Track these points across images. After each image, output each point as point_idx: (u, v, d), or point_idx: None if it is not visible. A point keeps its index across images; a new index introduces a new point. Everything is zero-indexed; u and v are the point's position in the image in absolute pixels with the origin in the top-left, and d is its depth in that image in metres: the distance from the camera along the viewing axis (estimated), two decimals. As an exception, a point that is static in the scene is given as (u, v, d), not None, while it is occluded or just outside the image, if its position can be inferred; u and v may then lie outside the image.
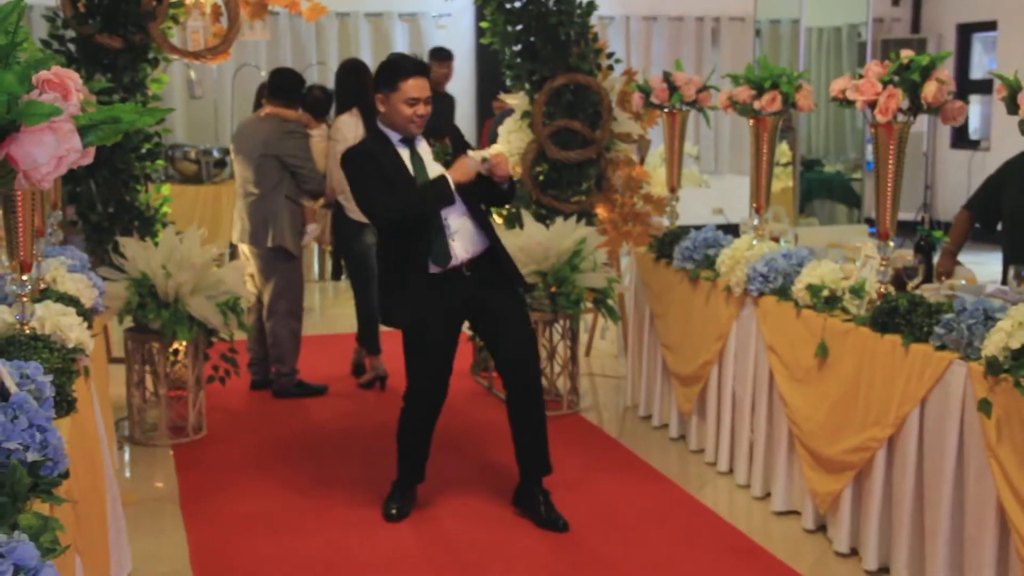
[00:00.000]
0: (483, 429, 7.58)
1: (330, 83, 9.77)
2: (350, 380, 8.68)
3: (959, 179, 14.04)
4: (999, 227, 7.07)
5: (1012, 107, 4.59)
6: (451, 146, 5.88)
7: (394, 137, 5.79)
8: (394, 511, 5.98)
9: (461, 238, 5.78)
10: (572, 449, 7.17)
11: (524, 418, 5.98)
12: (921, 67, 5.25)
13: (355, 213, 8.14)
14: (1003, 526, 4.56)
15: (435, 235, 5.75)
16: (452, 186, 5.65)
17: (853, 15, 9.98)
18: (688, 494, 6.48)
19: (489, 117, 11.51)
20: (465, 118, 14.40)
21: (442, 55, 11.60)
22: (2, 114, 2.01)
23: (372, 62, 9.84)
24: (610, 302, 7.98)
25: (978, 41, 15.27)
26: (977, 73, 14.92)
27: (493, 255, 6.00)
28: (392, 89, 5.68)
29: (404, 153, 5.77)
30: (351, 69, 8.45)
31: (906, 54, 5.37)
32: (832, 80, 5.86)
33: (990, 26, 14.98)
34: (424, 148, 5.78)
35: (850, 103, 5.60)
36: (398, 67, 5.76)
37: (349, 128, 8.12)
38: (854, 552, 5.53)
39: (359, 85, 8.23)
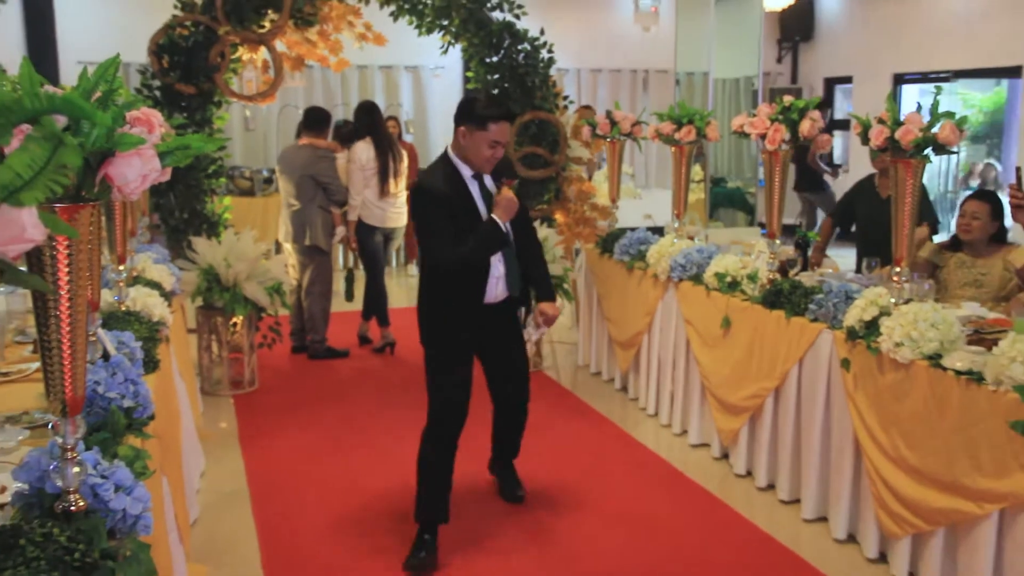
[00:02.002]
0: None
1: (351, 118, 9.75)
2: (367, 346, 8.67)
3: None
4: (853, 229, 7.20)
5: (864, 140, 4.71)
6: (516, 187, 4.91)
7: (466, 172, 4.77)
8: (423, 555, 4.62)
9: (502, 279, 4.83)
10: (537, 399, 7.00)
11: (512, 424, 5.37)
12: (799, 109, 5.40)
13: (369, 219, 8.22)
14: (857, 451, 4.69)
15: (481, 275, 4.81)
16: (503, 227, 4.75)
17: (748, 70, 10.03)
18: (626, 432, 6.53)
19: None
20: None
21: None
22: (102, 143, 2.05)
23: (384, 103, 9.92)
24: (566, 286, 7.92)
25: (839, 91, 15.31)
26: (839, 115, 15.00)
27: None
28: (481, 127, 4.66)
29: (474, 188, 4.77)
30: (367, 109, 8.34)
31: (787, 99, 5.48)
32: (733, 118, 5.93)
33: (848, 80, 15.05)
34: (490, 183, 4.87)
35: (746, 135, 5.70)
36: (490, 109, 4.70)
37: (363, 152, 8.12)
38: (749, 474, 5.64)
39: (372, 120, 8.21)
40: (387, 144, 8.26)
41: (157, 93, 7.74)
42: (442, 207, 4.63)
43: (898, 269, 4.65)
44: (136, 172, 2.11)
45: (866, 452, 4.55)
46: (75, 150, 1.69)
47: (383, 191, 8.20)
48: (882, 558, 4.62)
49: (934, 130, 4.48)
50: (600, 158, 9.42)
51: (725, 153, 10.49)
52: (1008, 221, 5.57)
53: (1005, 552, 3.89)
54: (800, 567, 4.04)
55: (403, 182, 8.38)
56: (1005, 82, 13.66)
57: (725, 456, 5.96)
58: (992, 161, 13.82)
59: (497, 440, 5.49)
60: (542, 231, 7.69)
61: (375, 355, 8.47)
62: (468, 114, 4.66)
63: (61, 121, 1.94)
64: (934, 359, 4.22)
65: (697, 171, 9.90)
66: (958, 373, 4.05)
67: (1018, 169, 4.27)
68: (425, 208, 4.66)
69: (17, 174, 1.59)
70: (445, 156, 4.79)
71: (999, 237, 5.76)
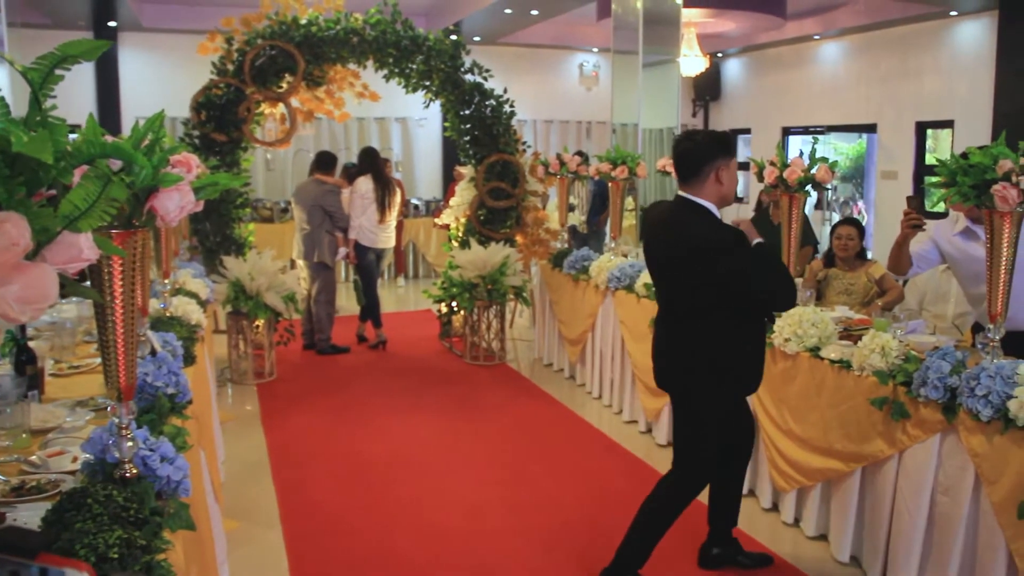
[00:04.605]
0: (448, 373, 7.64)
1: (354, 160, 9.78)
2: (363, 343, 8.61)
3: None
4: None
5: (760, 178, 4.78)
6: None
7: (716, 213, 3.51)
8: None
9: None
10: (501, 385, 7.25)
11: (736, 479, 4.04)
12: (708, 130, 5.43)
13: (364, 241, 8.23)
14: (756, 424, 4.73)
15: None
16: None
17: (670, 121, 10.07)
18: (573, 412, 6.53)
19: (453, 181, 11.50)
20: (435, 181, 14.48)
21: None
22: (149, 181, 2.08)
23: (378, 148, 9.87)
24: (525, 294, 8.01)
25: (741, 140, 15.44)
26: (741, 158, 15.13)
27: None
28: (733, 155, 3.55)
29: None
30: (370, 152, 8.37)
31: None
32: (658, 160, 5.99)
33: (747, 131, 15.20)
34: None
35: (668, 173, 5.76)
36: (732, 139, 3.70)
37: (364, 184, 8.15)
38: (669, 444, 5.57)
39: (373, 161, 8.27)
40: (385, 181, 8.28)
41: (196, 141, 7.72)
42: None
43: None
44: (175, 204, 2.13)
45: (762, 425, 4.59)
46: (121, 186, 1.71)
47: (379, 219, 8.22)
48: (774, 507, 4.67)
49: (813, 171, 4.54)
50: (552, 192, 9.45)
51: (652, 187, 10.53)
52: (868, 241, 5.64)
53: (866, 499, 3.98)
54: (702, 509, 4.06)
55: (395, 212, 8.41)
56: (865, 136, 13.86)
57: (649, 430, 5.98)
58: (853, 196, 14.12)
59: (716, 504, 4.07)
60: (505, 250, 7.75)
61: (370, 351, 8.43)
62: (724, 146, 3.52)
63: (116, 164, 1.95)
64: (814, 351, 4.27)
65: (630, 202, 9.94)
66: (832, 362, 4.10)
67: (908, 198, 4.34)
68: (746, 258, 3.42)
69: (76, 206, 1.61)
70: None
71: (862, 255, 5.86)
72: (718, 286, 3.42)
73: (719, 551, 4.06)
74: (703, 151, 3.49)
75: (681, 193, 3.56)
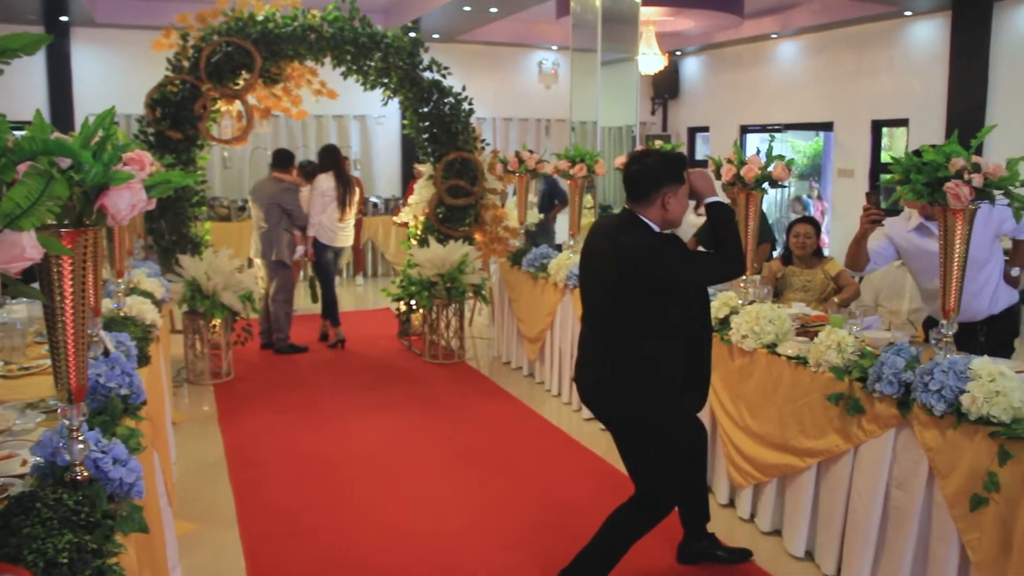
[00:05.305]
0: (407, 372, 7.61)
1: (312, 158, 9.74)
2: (322, 343, 8.58)
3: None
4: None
5: (717, 175, 4.80)
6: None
7: (656, 229, 3.46)
8: None
9: None
10: (461, 383, 7.23)
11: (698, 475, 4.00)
12: (667, 151, 5.46)
13: (323, 238, 8.23)
14: (713, 421, 4.72)
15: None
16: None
17: (628, 120, 10.11)
18: (533, 410, 6.54)
19: (412, 179, 11.46)
20: (394, 179, 14.43)
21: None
22: (99, 179, 2.06)
23: (337, 145, 9.81)
24: (484, 292, 8.02)
25: (700, 137, 15.54)
26: (700, 156, 15.23)
27: None
28: (683, 182, 3.48)
29: None
30: (331, 149, 8.36)
31: (658, 143, 5.57)
32: (616, 157, 5.99)
33: (706, 129, 15.28)
34: None
35: (625, 172, 5.77)
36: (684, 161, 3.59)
37: (325, 181, 8.16)
38: None
39: (334, 159, 8.28)
40: (346, 179, 8.30)
41: (152, 138, 7.62)
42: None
43: (744, 277, 4.74)
44: (126, 202, 2.10)
45: (719, 421, 4.63)
46: (64, 183, 1.68)
47: (340, 216, 8.23)
48: (731, 503, 4.71)
49: (770, 169, 4.58)
50: (510, 189, 9.45)
51: (611, 185, 10.59)
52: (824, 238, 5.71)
53: (821, 494, 4.02)
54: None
55: (354, 209, 8.42)
56: (822, 134, 14.01)
57: (610, 426, 5.98)
58: (801, 195, 14.30)
59: (685, 505, 4.05)
60: (464, 248, 7.75)
61: (329, 349, 8.40)
62: (675, 171, 3.48)
63: (65, 161, 1.92)
64: (771, 347, 4.31)
65: (588, 199, 9.99)
66: (789, 358, 4.14)
67: (867, 193, 4.41)
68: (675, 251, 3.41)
69: (17, 204, 1.59)
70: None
71: (819, 252, 5.93)
72: (654, 293, 3.38)
73: (697, 547, 4.06)
74: (652, 176, 3.45)
75: (628, 207, 3.54)
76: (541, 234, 9.87)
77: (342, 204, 8.21)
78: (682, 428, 3.64)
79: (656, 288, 3.37)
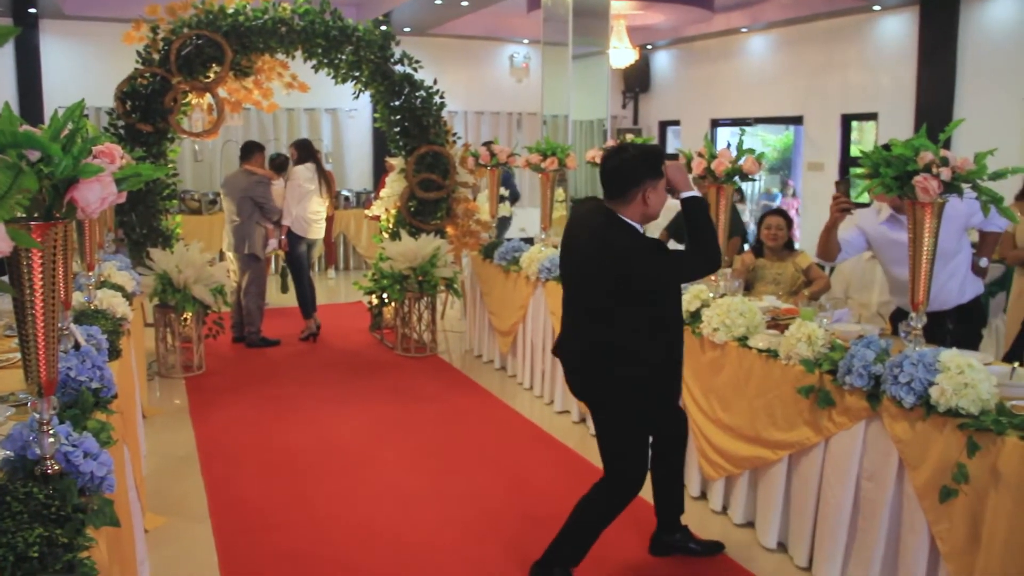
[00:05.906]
0: (379, 365, 7.59)
1: (283, 151, 9.70)
2: (294, 335, 8.52)
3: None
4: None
5: (688, 169, 4.82)
6: None
7: (640, 229, 3.48)
8: None
9: None
10: (433, 377, 7.22)
11: (675, 464, 4.02)
12: (644, 144, 5.47)
13: (297, 230, 8.23)
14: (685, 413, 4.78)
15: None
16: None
17: (599, 113, 10.13)
18: (505, 403, 6.54)
19: (384, 172, 11.42)
20: (366, 173, 14.38)
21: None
22: (69, 172, 2.04)
23: (309, 138, 9.77)
24: (456, 286, 8.01)
25: (671, 131, 15.61)
26: (671, 149, 15.28)
27: None
28: (662, 176, 3.48)
29: None
30: (307, 143, 8.45)
31: (630, 137, 5.58)
32: (587, 151, 6.00)
33: (677, 123, 15.36)
34: None
35: (598, 164, 5.77)
36: (662, 154, 3.57)
37: (303, 173, 8.22)
38: None
39: (311, 152, 8.35)
40: (323, 171, 8.38)
41: (121, 131, 7.56)
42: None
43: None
44: (96, 195, 2.08)
45: (691, 414, 4.62)
46: (33, 176, 1.66)
47: (319, 207, 8.30)
48: (703, 496, 4.73)
49: (740, 162, 4.61)
50: (482, 183, 9.44)
51: (582, 178, 10.59)
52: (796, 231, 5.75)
53: (792, 486, 4.05)
54: (636, 503, 4.09)
55: (328, 201, 8.46)
56: (792, 127, 14.11)
57: (583, 420, 6.00)
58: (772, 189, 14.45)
59: (660, 496, 4.09)
60: (435, 241, 7.74)
61: (301, 342, 8.37)
62: (654, 167, 3.46)
63: (35, 154, 1.90)
64: (742, 340, 4.33)
65: (560, 193, 10.00)
66: (760, 351, 4.16)
67: (837, 183, 4.46)
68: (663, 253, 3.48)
69: (-16, 197, 1.57)
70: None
71: (789, 245, 5.96)
72: (636, 292, 3.41)
73: (670, 539, 4.08)
74: (631, 172, 3.42)
75: (607, 205, 3.51)
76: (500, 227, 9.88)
77: (320, 195, 8.31)
78: (654, 415, 3.75)
79: (638, 286, 3.42)
